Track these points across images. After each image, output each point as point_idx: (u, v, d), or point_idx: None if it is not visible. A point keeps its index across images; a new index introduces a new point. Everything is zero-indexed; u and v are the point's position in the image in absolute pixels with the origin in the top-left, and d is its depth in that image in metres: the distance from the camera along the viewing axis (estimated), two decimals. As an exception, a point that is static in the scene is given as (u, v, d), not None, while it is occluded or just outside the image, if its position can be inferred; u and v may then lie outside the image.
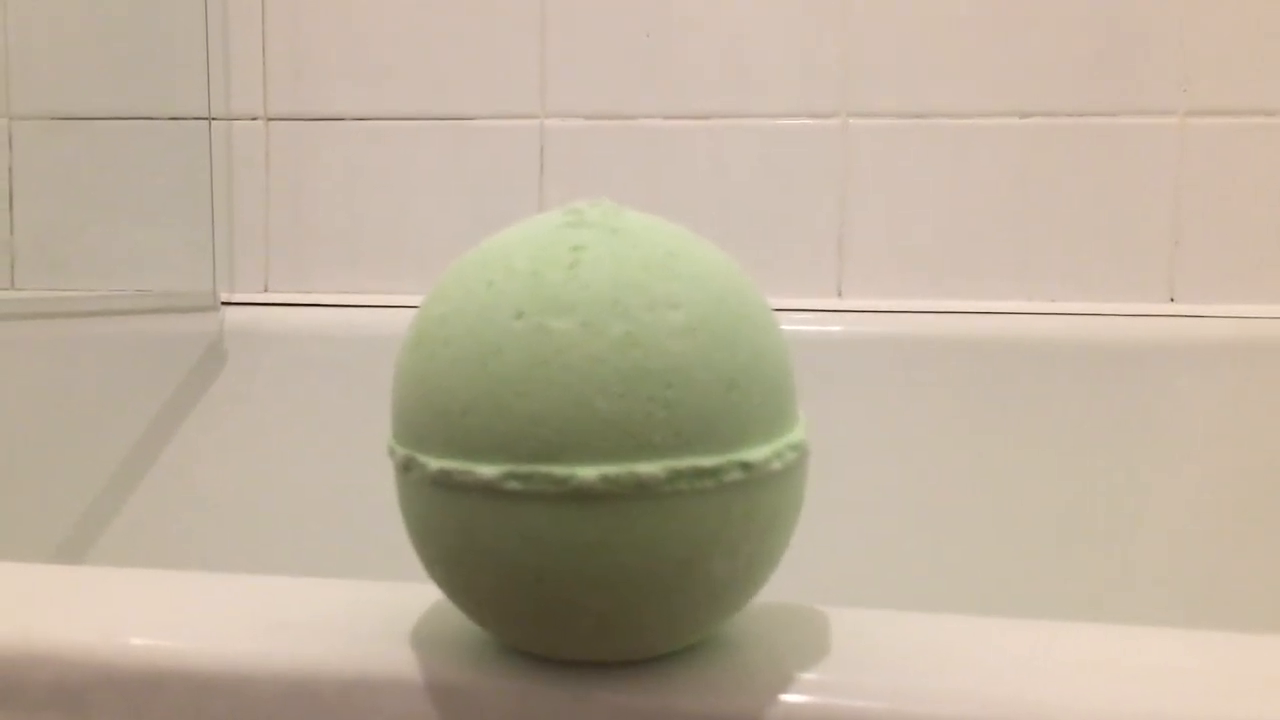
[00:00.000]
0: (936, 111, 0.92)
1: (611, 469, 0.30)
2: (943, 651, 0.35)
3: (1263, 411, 0.86)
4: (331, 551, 0.91)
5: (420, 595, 0.38)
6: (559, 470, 0.30)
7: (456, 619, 0.36)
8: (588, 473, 0.30)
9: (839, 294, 0.94)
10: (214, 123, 0.99)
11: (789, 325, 0.91)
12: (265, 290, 1.00)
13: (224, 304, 0.98)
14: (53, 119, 0.98)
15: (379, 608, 0.37)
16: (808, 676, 0.34)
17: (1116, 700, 0.32)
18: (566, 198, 0.96)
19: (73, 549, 0.92)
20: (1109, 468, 0.87)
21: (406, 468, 0.32)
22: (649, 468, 0.30)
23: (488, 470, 0.31)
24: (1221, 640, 0.36)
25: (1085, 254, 0.91)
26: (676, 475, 0.30)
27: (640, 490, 0.30)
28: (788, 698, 0.33)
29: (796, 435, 0.33)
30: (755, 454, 0.32)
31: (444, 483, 0.31)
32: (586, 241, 0.32)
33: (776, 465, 0.32)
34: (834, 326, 0.92)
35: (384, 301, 0.97)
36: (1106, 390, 0.87)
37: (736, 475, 0.31)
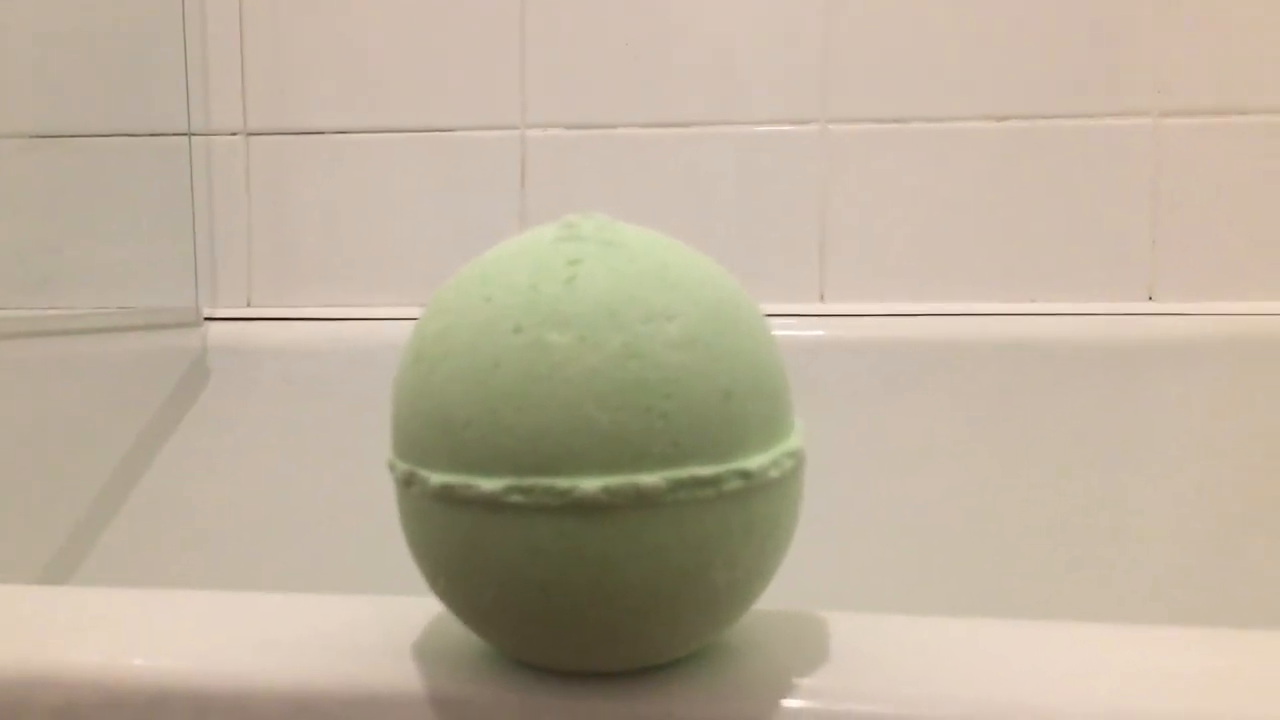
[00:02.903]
0: (915, 116, 0.92)
1: (613, 480, 0.30)
2: (942, 655, 0.35)
3: (1244, 408, 0.86)
4: (320, 567, 0.91)
5: (420, 609, 0.38)
6: (561, 483, 0.30)
7: (457, 632, 0.36)
8: (589, 484, 0.30)
9: (821, 298, 0.94)
10: (194, 138, 0.99)
11: (772, 330, 0.92)
12: (248, 305, 1.00)
13: (207, 320, 0.98)
14: (32, 137, 0.98)
15: (379, 623, 0.37)
16: (808, 682, 0.34)
17: (1115, 701, 0.33)
18: (548, 208, 0.97)
19: (60, 568, 0.91)
20: (1091, 466, 0.87)
21: (408, 483, 0.33)
22: (649, 478, 0.30)
23: (490, 484, 0.31)
24: (1217, 638, 0.37)
25: (1064, 255, 0.92)
26: (676, 485, 0.31)
27: (641, 500, 0.30)
28: (788, 703, 0.33)
29: (793, 443, 0.34)
30: (754, 462, 0.32)
31: (446, 497, 0.31)
32: (582, 255, 0.32)
33: (775, 473, 0.32)
34: (817, 331, 0.92)
35: (368, 314, 0.97)
36: (1088, 390, 0.88)
37: (736, 484, 0.32)
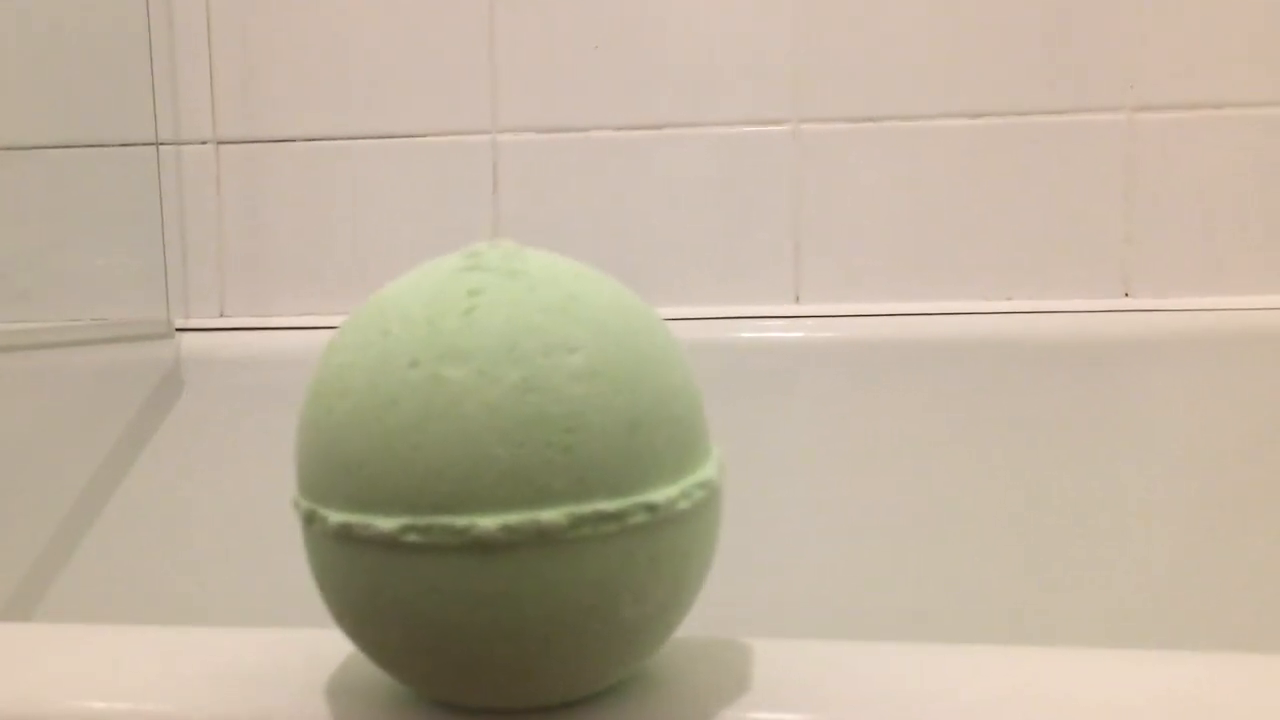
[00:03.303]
0: (888, 114, 0.92)
1: (512, 518, 0.30)
2: (874, 682, 0.35)
3: (1221, 403, 0.86)
4: (296, 579, 0.91)
5: (342, 642, 0.37)
6: (459, 521, 0.30)
7: (376, 668, 0.35)
8: (488, 523, 0.30)
9: (797, 300, 0.94)
10: (163, 148, 0.99)
11: (748, 333, 0.92)
12: (221, 315, 1.00)
13: (179, 331, 0.97)
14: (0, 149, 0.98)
15: (300, 657, 0.37)
16: (729, 714, 0.33)
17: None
18: (521, 213, 0.96)
19: (34, 580, 0.91)
20: (1069, 464, 0.87)
21: (309, 520, 0.32)
22: (550, 514, 0.30)
23: (387, 523, 0.30)
24: (1168, 660, 0.36)
25: (1039, 252, 0.91)
26: (579, 521, 0.30)
27: (542, 538, 0.30)
28: (707, 736, 0.33)
29: (706, 473, 0.33)
30: (661, 495, 0.31)
31: (345, 536, 0.31)
32: (483, 285, 0.32)
33: (684, 504, 0.32)
34: (793, 332, 0.92)
35: (341, 323, 0.96)
36: (1065, 387, 0.87)
37: (641, 518, 0.31)
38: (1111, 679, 0.35)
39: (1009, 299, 0.91)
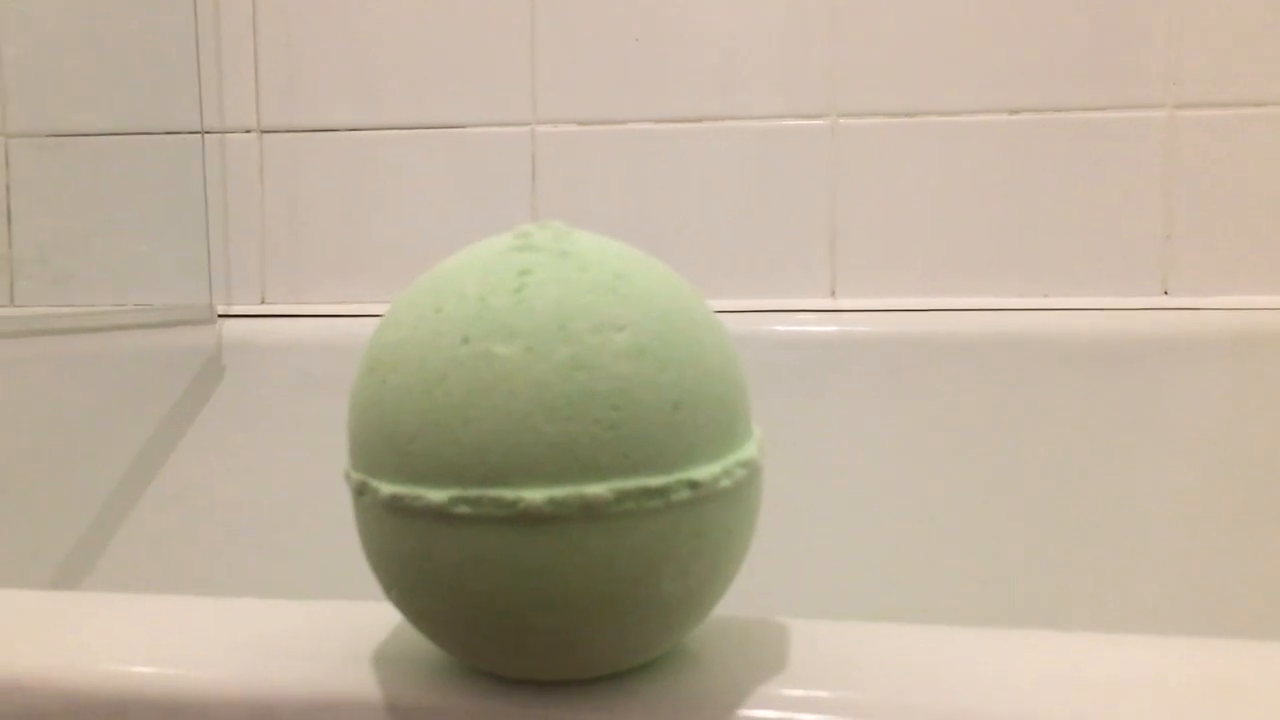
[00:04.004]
0: (925, 110, 0.92)
1: (558, 491, 0.30)
2: (905, 663, 0.35)
3: (1259, 403, 0.85)
4: (335, 561, 0.92)
5: (385, 614, 0.38)
6: (506, 494, 0.30)
7: (418, 638, 0.36)
8: (534, 495, 0.30)
9: (833, 294, 0.94)
10: (207, 136, 1.00)
11: (783, 327, 0.92)
12: (262, 302, 1.01)
13: (221, 316, 0.99)
14: (48, 136, 0.99)
15: (342, 628, 0.38)
16: (764, 690, 0.34)
17: (1085, 712, 0.32)
18: (559, 203, 0.97)
19: (76, 563, 0.92)
20: (1106, 462, 0.87)
21: (361, 492, 0.33)
22: (596, 489, 0.31)
23: (437, 495, 0.31)
24: (1200, 647, 0.36)
25: (1077, 249, 0.91)
26: (624, 496, 0.31)
27: (587, 512, 0.31)
28: (744, 713, 0.33)
29: (747, 452, 0.34)
30: (703, 472, 0.32)
31: (396, 507, 0.32)
32: (533, 265, 0.32)
33: (725, 483, 0.32)
34: (829, 327, 0.92)
35: (380, 311, 0.98)
36: (1102, 385, 0.87)
37: (684, 494, 0.31)
38: (1142, 664, 0.35)
39: (1045, 295, 0.91)
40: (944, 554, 0.88)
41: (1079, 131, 0.90)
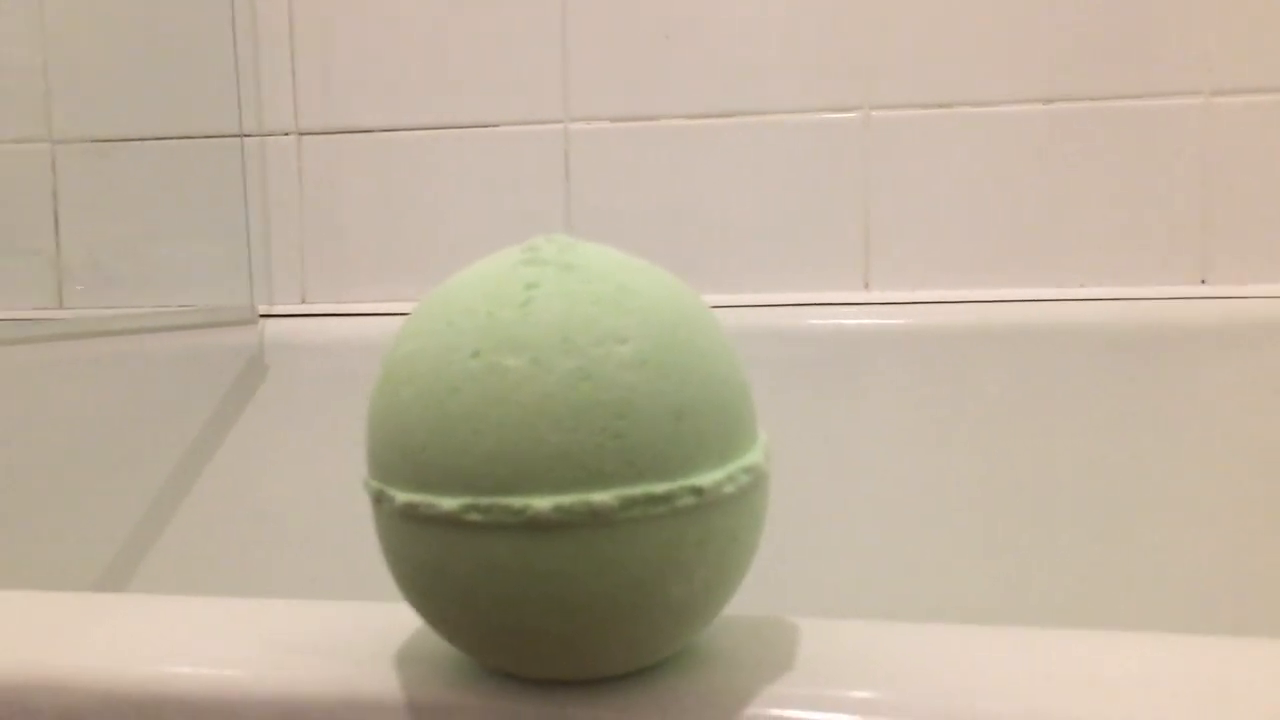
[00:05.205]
0: (959, 101, 0.91)
1: (565, 499, 0.31)
2: (916, 661, 0.36)
3: (1299, 392, 0.84)
4: (377, 559, 0.94)
5: (409, 615, 0.39)
6: (515, 502, 0.31)
7: (440, 639, 0.37)
8: (542, 503, 0.31)
9: (866, 286, 0.94)
10: (247, 139, 1.02)
11: (817, 319, 0.92)
12: (303, 302, 1.03)
13: (262, 317, 1.01)
14: (93, 142, 1.02)
15: (368, 629, 0.39)
16: (776, 689, 0.35)
17: (1101, 710, 0.33)
18: (593, 200, 0.98)
19: (123, 562, 0.95)
20: (1143, 451, 0.86)
21: (378, 500, 0.34)
22: (602, 496, 0.31)
23: (449, 503, 0.32)
24: (1221, 645, 0.36)
25: (1114, 238, 0.90)
26: (629, 503, 0.32)
27: (594, 518, 0.31)
28: (755, 711, 0.34)
29: (752, 458, 0.34)
30: (707, 479, 0.33)
31: (411, 515, 0.33)
32: (540, 279, 0.33)
33: (730, 489, 0.33)
34: (862, 319, 0.92)
35: (410, 313, 0.99)
36: (1140, 375, 0.86)
37: (689, 500, 0.32)
38: (1158, 663, 0.35)
39: (1082, 285, 0.91)
40: (980, 548, 0.88)
41: (1114, 120, 0.89)
